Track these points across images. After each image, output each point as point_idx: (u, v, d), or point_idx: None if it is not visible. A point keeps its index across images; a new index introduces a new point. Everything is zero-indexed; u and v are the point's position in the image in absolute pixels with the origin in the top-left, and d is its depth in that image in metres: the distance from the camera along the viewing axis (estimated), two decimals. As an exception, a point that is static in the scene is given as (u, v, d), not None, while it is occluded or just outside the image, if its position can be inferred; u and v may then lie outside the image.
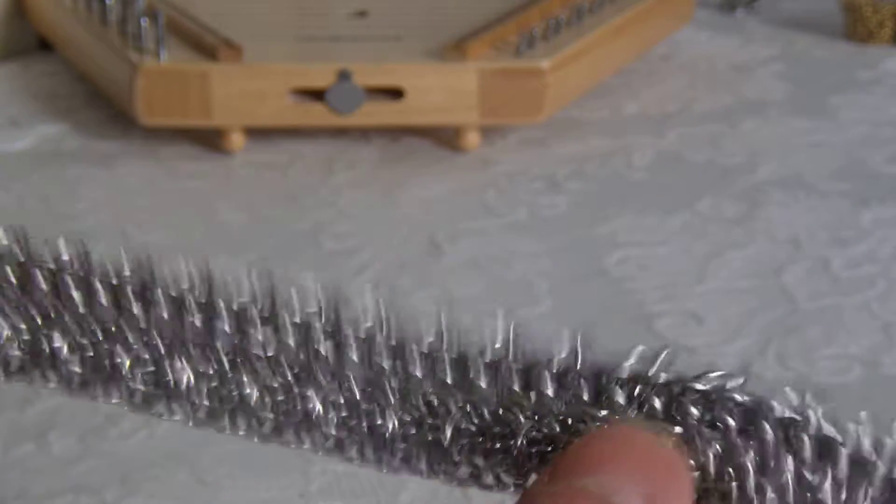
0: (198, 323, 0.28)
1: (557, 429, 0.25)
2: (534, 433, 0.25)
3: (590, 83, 0.96)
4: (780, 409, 0.25)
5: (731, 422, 0.24)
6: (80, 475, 0.54)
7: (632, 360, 0.26)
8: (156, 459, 0.56)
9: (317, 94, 0.87)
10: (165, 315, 0.28)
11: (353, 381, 0.27)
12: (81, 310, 0.28)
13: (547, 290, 0.70)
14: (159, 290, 0.28)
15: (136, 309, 0.28)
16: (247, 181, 0.87)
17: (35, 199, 0.84)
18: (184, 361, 0.28)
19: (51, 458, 0.56)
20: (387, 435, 0.27)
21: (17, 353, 0.29)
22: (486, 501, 0.54)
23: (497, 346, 0.26)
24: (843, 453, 0.24)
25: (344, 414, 0.27)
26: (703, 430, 0.24)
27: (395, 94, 0.87)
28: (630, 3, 1.01)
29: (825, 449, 0.25)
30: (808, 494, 0.24)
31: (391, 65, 0.88)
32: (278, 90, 0.87)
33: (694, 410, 0.24)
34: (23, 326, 0.28)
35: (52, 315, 0.29)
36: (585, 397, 0.25)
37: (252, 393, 0.28)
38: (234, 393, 0.28)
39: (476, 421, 0.26)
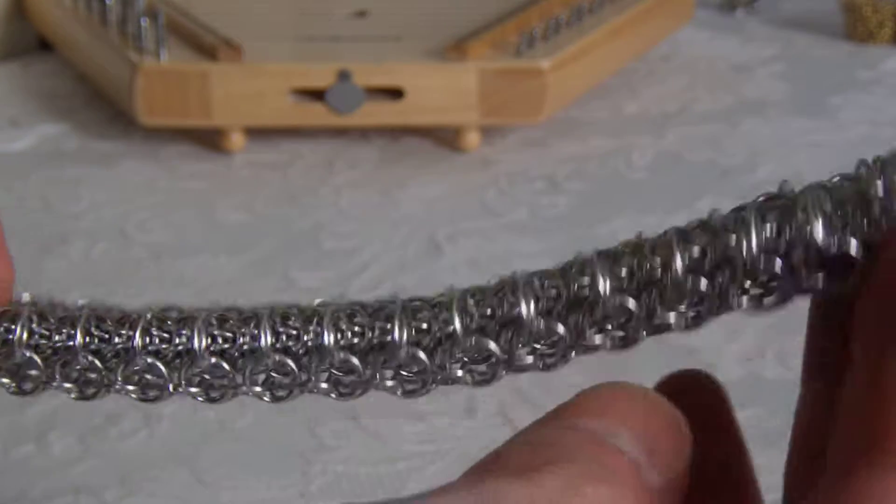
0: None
1: None
2: None
3: (590, 83, 0.96)
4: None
5: None
6: (80, 475, 0.54)
7: None
8: (156, 459, 0.56)
9: (317, 94, 0.87)
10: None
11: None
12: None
13: (547, 290, 0.70)
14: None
15: None
16: (247, 181, 0.87)
17: (35, 199, 0.84)
18: None
19: (51, 458, 0.56)
20: None
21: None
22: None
23: None
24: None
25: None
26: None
27: (395, 94, 0.87)
28: (630, 3, 1.01)
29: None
30: None
31: (391, 65, 0.88)
32: (278, 90, 0.87)
33: None
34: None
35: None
36: None
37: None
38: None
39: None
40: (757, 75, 1.05)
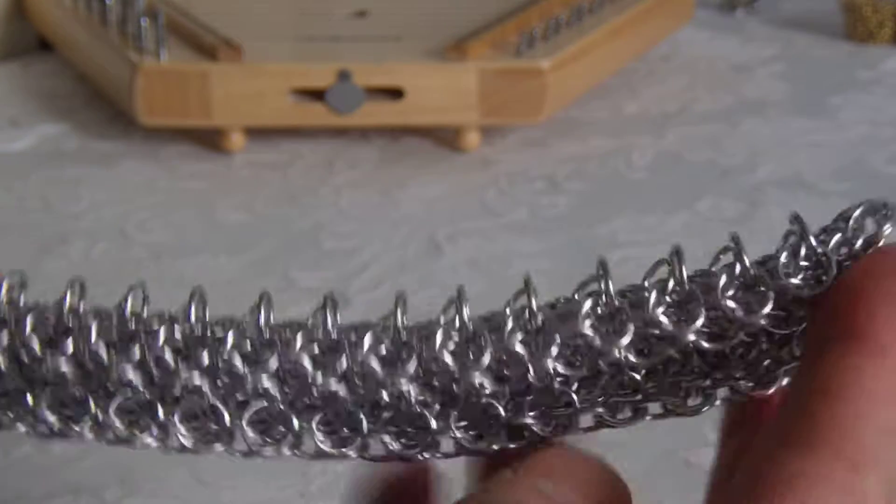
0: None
1: None
2: None
3: (590, 83, 0.96)
4: None
5: None
6: (80, 475, 0.54)
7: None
8: (156, 459, 0.55)
9: (317, 94, 0.87)
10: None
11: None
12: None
13: (547, 290, 0.70)
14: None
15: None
16: (247, 181, 0.87)
17: (35, 199, 0.84)
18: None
19: (51, 458, 0.56)
20: None
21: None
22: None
23: None
24: None
25: None
26: None
27: (395, 94, 0.87)
28: (630, 3, 1.01)
29: None
30: None
31: (391, 65, 0.88)
32: (278, 90, 0.87)
33: None
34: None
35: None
36: None
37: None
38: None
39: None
40: (757, 75, 1.05)
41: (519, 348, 0.28)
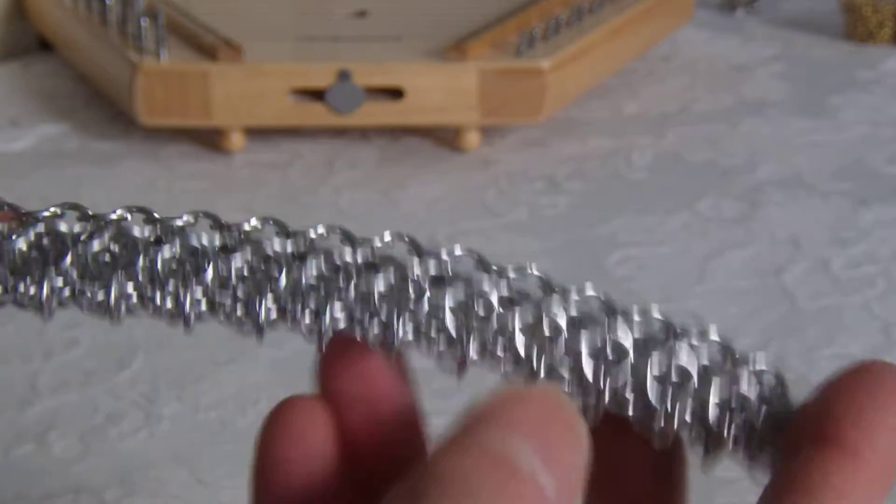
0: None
1: None
2: None
3: (590, 83, 0.96)
4: None
5: None
6: (80, 475, 0.54)
7: None
8: (156, 459, 0.56)
9: (317, 94, 0.87)
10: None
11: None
12: None
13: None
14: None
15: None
16: (247, 181, 0.87)
17: (35, 199, 0.83)
18: None
19: (51, 458, 0.56)
20: None
21: None
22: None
23: None
24: None
25: None
26: None
27: (395, 94, 0.87)
28: (630, 3, 1.01)
29: None
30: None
31: (391, 65, 0.88)
32: (278, 90, 0.87)
33: None
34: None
35: None
36: None
37: None
38: None
39: None
40: (757, 75, 1.05)
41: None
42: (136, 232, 0.32)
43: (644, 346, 0.29)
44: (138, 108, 0.87)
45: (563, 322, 0.29)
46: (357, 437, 0.31)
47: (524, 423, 0.25)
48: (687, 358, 0.29)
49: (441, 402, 0.59)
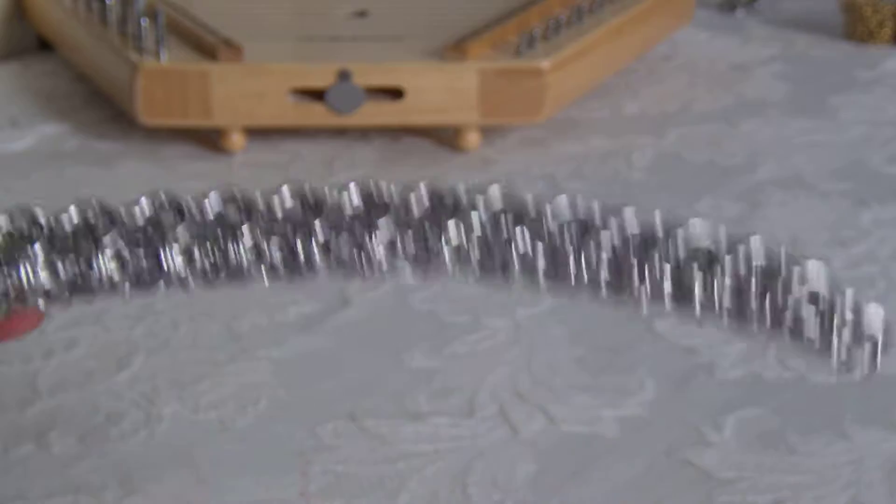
0: None
1: None
2: None
3: (590, 83, 0.96)
4: None
5: None
6: (80, 475, 0.54)
7: None
8: (156, 459, 0.56)
9: (317, 94, 0.87)
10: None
11: None
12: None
13: (547, 290, 0.70)
14: None
15: None
16: (247, 181, 0.87)
17: (35, 199, 0.84)
18: None
19: (51, 458, 0.56)
20: None
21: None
22: (486, 502, 0.54)
23: None
24: None
25: None
26: None
27: (395, 94, 0.87)
28: (630, 4, 1.01)
29: None
30: None
31: (391, 65, 0.88)
32: (278, 90, 0.87)
33: None
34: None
35: None
36: None
37: None
38: None
39: None
40: (757, 75, 1.05)
41: None
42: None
43: None
44: (138, 108, 0.87)
45: None
46: None
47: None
48: None
49: (442, 403, 0.59)
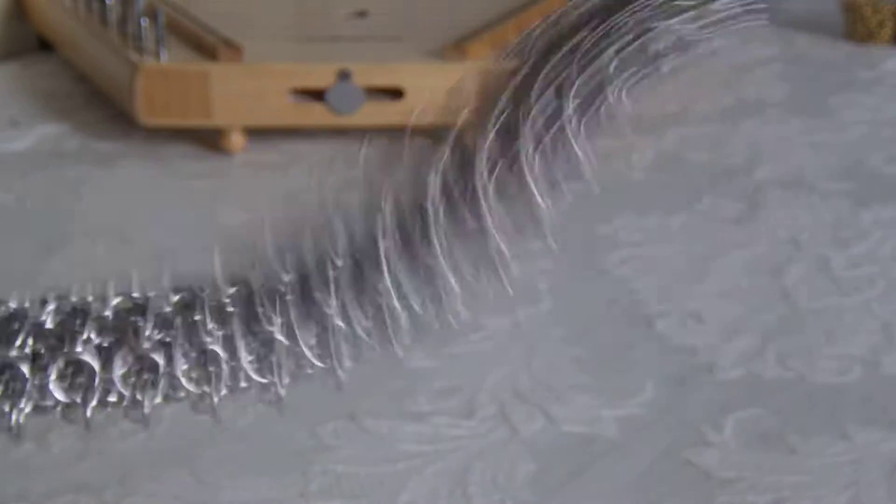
0: None
1: None
2: None
3: (590, 83, 0.96)
4: None
5: None
6: (80, 475, 0.54)
7: None
8: (156, 459, 0.56)
9: (317, 94, 0.87)
10: None
11: None
12: None
13: (547, 290, 0.70)
14: None
15: None
16: (247, 181, 0.87)
17: (35, 199, 0.84)
18: None
19: (51, 458, 0.56)
20: None
21: None
22: (486, 502, 0.54)
23: None
24: None
25: None
26: None
27: (395, 94, 0.87)
28: (630, 3, 1.01)
29: None
30: None
31: (391, 65, 0.88)
32: (278, 90, 0.87)
33: None
34: None
35: None
36: None
37: None
38: None
39: None
40: (757, 75, 1.05)
41: None
42: None
43: None
44: (138, 108, 0.87)
45: None
46: None
47: None
48: None
49: (442, 403, 0.59)
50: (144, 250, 0.76)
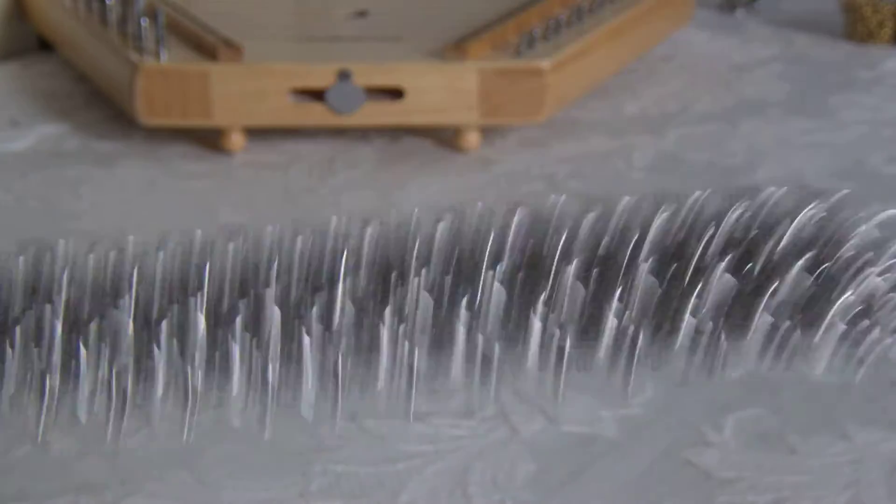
0: None
1: None
2: None
3: (590, 83, 0.96)
4: None
5: None
6: (80, 475, 0.54)
7: None
8: (156, 459, 0.56)
9: (317, 94, 0.87)
10: None
11: None
12: None
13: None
14: None
15: None
16: (247, 181, 0.87)
17: (35, 199, 0.84)
18: None
19: (51, 458, 0.56)
20: None
21: None
22: (486, 502, 0.54)
23: None
24: None
25: None
26: None
27: (395, 94, 0.87)
28: (630, 4, 1.01)
29: None
30: None
31: (391, 65, 0.88)
32: (278, 90, 0.87)
33: None
34: None
35: None
36: None
37: None
38: None
39: None
40: (757, 75, 1.05)
41: None
42: None
43: None
44: (138, 108, 0.87)
45: None
46: None
47: None
48: None
49: (442, 403, 0.59)
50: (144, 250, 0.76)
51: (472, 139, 0.90)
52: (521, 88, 0.88)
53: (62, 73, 1.04)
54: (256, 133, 0.90)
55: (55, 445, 0.56)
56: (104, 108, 0.96)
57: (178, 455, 0.56)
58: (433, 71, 0.88)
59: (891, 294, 0.30)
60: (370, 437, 0.56)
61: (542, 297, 0.30)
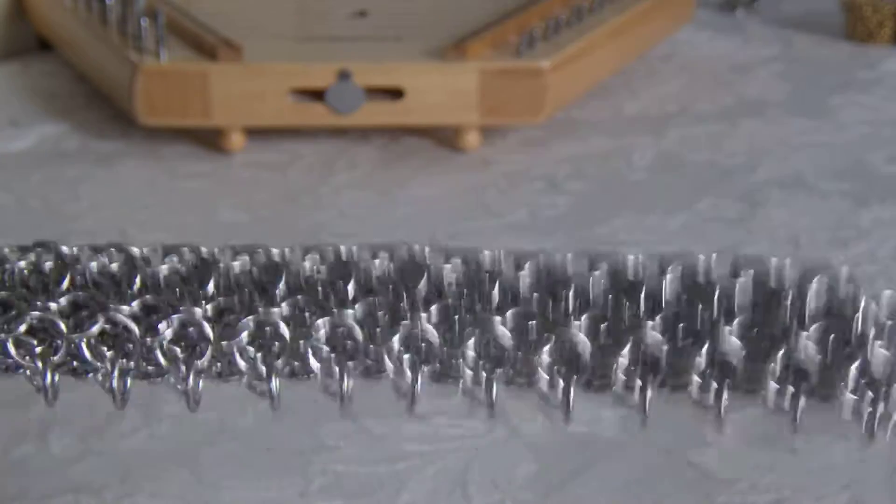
0: None
1: None
2: None
3: (590, 83, 0.96)
4: None
5: None
6: (80, 475, 0.54)
7: None
8: (156, 459, 0.56)
9: (317, 94, 0.87)
10: None
11: None
12: None
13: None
14: None
15: None
16: (247, 181, 0.87)
17: (35, 199, 0.84)
18: None
19: (51, 458, 0.56)
20: None
21: None
22: (486, 502, 0.54)
23: None
24: None
25: None
26: None
27: (395, 94, 0.87)
28: (630, 4, 1.01)
29: None
30: None
31: (391, 65, 0.88)
32: (278, 90, 0.87)
33: None
34: None
35: None
36: None
37: None
38: None
39: None
40: (757, 75, 1.05)
41: None
42: None
43: None
44: (138, 107, 0.87)
45: None
46: None
47: None
48: None
49: (442, 403, 0.59)
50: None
51: (472, 139, 0.90)
52: (521, 88, 0.88)
53: (62, 73, 1.04)
54: (256, 133, 0.90)
55: (55, 445, 0.56)
56: (104, 108, 0.96)
57: (178, 455, 0.56)
58: (433, 71, 0.88)
59: None
60: (370, 436, 0.56)
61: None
